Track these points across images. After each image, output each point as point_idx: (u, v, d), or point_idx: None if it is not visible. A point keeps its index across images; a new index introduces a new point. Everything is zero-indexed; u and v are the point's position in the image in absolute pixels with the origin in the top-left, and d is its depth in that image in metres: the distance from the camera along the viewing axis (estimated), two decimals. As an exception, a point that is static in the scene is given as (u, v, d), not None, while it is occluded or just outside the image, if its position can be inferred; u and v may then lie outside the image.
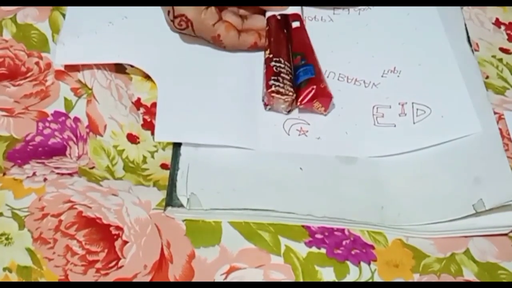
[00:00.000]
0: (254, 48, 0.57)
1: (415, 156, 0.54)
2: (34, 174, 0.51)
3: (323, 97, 0.54)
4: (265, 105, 0.55)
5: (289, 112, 0.55)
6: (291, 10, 0.58)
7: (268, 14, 0.57)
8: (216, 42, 0.56)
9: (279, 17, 0.57)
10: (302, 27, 0.58)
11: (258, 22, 0.57)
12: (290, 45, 0.57)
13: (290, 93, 0.54)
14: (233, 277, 0.47)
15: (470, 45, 0.61)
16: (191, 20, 0.53)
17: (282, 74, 0.54)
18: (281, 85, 0.53)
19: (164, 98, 0.55)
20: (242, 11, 0.58)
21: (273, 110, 0.55)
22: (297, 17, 0.58)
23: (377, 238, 0.50)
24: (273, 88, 0.53)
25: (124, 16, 0.59)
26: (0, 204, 0.49)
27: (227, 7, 0.56)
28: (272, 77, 0.54)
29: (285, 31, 0.57)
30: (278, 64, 0.54)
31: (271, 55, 0.55)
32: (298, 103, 0.54)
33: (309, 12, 0.62)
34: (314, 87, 0.54)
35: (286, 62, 0.55)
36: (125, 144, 0.55)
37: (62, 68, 0.57)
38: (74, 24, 0.58)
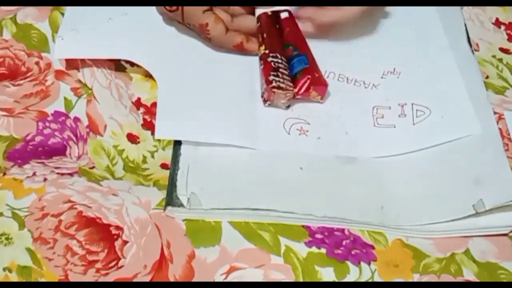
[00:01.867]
0: (239, 48, 0.57)
1: (415, 156, 0.54)
2: (34, 174, 0.51)
3: (319, 86, 0.55)
4: (265, 101, 0.55)
5: (287, 107, 0.55)
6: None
7: (258, 12, 0.57)
8: (203, 32, 0.55)
9: (269, 13, 0.57)
10: (291, 17, 0.57)
11: (247, 22, 0.57)
12: (282, 37, 0.57)
13: (291, 88, 0.54)
14: (233, 277, 0.47)
15: (470, 45, 0.61)
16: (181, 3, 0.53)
17: (280, 69, 0.54)
18: (281, 80, 0.53)
19: (164, 96, 0.55)
20: (231, 10, 0.57)
21: (272, 105, 0.55)
22: (285, 10, 0.58)
23: (377, 238, 0.50)
24: (274, 84, 0.53)
25: (124, 13, 0.58)
26: (0, 204, 0.49)
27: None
28: (272, 73, 0.54)
29: (277, 26, 0.57)
30: (275, 60, 0.54)
31: (267, 51, 0.55)
32: (295, 94, 0.54)
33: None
34: (309, 76, 0.54)
35: (282, 57, 0.55)
36: (125, 144, 0.55)
37: (62, 66, 0.57)
38: (74, 19, 0.58)
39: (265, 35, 0.56)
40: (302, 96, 0.55)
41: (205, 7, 0.54)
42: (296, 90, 0.54)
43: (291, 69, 0.55)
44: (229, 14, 0.56)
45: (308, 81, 0.54)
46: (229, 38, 0.56)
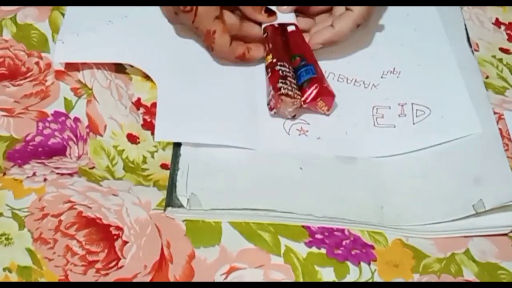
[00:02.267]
0: (241, 59, 0.56)
1: (415, 156, 0.54)
2: (34, 174, 0.51)
3: (327, 96, 0.54)
4: (271, 108, 0.54)
5: (293, 117, 0.55)
6: (285, 19, 0.57)
7: (264, 24, 0.57)
8: (208, 39, 0.54)
9: (276, 25, 0.57)
10: (298, 30, 0.57)
11: (254, 29, 0.57)
12: (289, 48, 0.57)
13: (298, 97, 0.53)
14: (233, 277, 0.47)
15: (470, 45, 0.61)
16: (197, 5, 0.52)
17: (288, 78, 0.54)
18: (289, 88, 0.53)
19: (164, 98, 0.55)
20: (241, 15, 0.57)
21: (278, 114, 0.55)
22: (291, 23, 0.58)
23: (377, 238, 0.50)
24: (282, 91, 0.53)
25: (124, 15, 0.58)
26: (0, 204, 0.49)
27: (226, 7, 0.56)
28: (280, 80, 0.53)
29: (283, 37, 0.57)
30: (283, 68, 0.54)
31: (274, 60, 0.55)
32: (302, 103, 0.54)
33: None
34: (317, 85, 0.54)
35: (290, 67, 0.55)
36: (125, 144, 0.55)
37: (62, 67, 0.57)
38: (74, 22, 0.58)
39: (271, 45, 0.56)
40: (309, 105, 0.54)
41: (216, 14, 0.53)
42: (303, 99, 0.54)
43: (298, 79, 0.54)
44: (239, 19, 0.56)
45: (316, 90, 0.54)
46: (232, 49, 0.55)
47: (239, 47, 0.56)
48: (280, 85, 0.53)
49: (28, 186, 0.50)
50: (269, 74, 0.54)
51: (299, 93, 0.53)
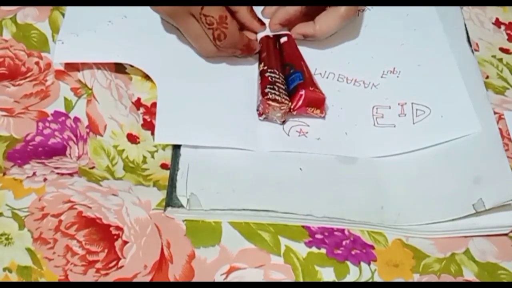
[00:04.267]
0: (248, 48, 0.56)
1: (415, 156, 0.54)
2: (34, 174, 0.51)
3: (315, 100, 0.54)
4: (260, 114, 0.55)
5: (283, 122, 0.55)
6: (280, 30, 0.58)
7: (260, 35, 0.58)
8: (221, 25, 0.53)
9: (271, 36, 0.58)
10: (290, 41, 0.58)
11: (251, 36, 0.58)
12: (282, 58, 0.57)
13: (286, 102, 0.53)
14: (233, 277, 0.47)
15: (470, 45, 0.61)
16: None
17: (277, 84, 0.54)
18: (277, 93, 0.53)
19: (164, 99, 0.55)
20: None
21: (267, 119, 0.55)
22: (285, 34, 0.59)
23: (377, 238, 0.50)
24: (269, 96, 0.53)
25: (124, 16, 0.58)
26: (0, 204, 0.49)
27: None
28: (268, 86, 0.54)
29: (277, 47, 0.58)
30: (273, 75, 0.55)
31: (265, 67, 0.55)
32: (292, 110, 0.54)
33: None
34: (303, 91, 0.54)
35: (280, 74, 0.55)
36: (125, 144, 0.55)
37: (62, 67, 0.57)
38: (74, 22, 0.58)
39: (265, 54, 0.57)
40: (298, 111, 0.54)
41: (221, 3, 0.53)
42: (292, 105, 0.54)
43: (288, 86, 0.55)
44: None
45: (303, 96, 0.54)
46: (241, 36, 0.55)
47: (244, 36, 0.56)
48: (267, 90, 0.53)
49: (28, 186, 0.50)
50: (260, 81, 0.55)
51: (287, 98, 0.54)
